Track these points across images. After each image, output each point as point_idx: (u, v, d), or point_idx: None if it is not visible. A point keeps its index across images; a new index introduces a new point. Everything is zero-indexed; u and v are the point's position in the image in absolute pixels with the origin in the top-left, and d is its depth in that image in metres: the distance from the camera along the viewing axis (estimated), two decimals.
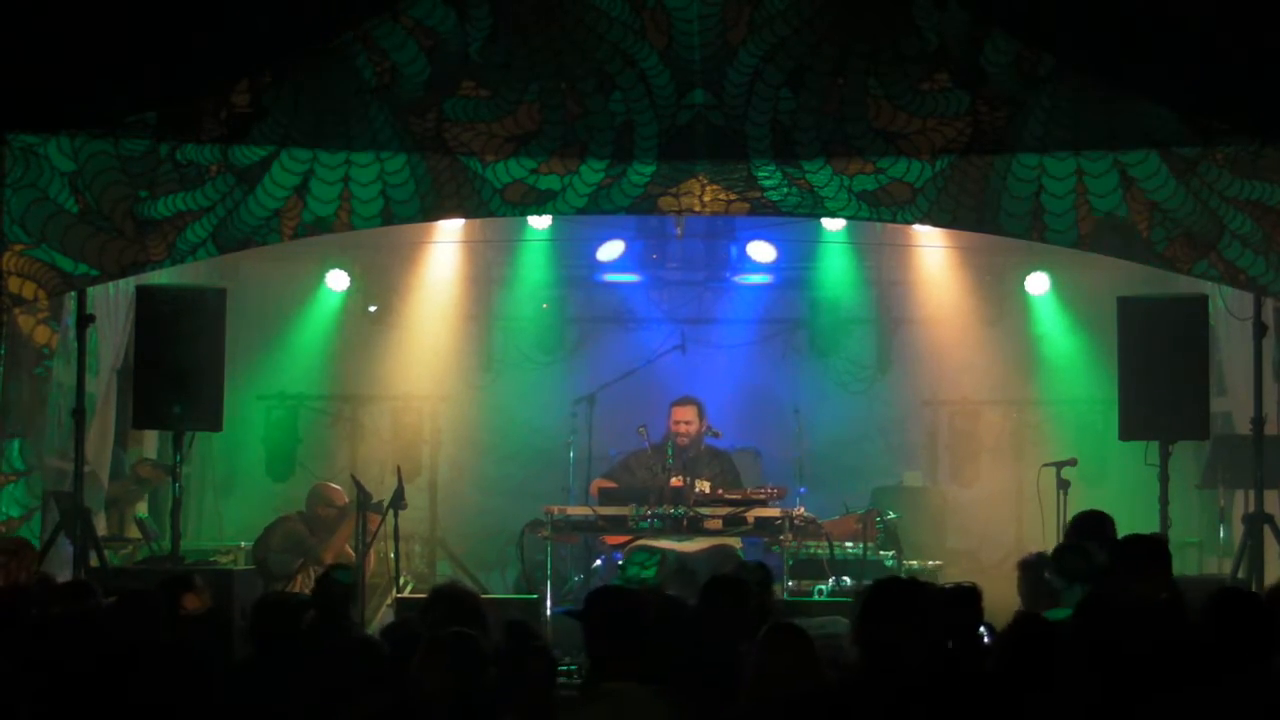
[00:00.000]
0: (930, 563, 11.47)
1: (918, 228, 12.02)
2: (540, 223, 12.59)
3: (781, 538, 10.54)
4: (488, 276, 13.40)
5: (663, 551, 10.49)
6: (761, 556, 11.02)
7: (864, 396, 13.43)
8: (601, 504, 10.83)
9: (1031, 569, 7.44)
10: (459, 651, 5.54)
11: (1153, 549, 6.87)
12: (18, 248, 9.11)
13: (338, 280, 13.28)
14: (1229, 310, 10.38)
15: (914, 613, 5.39)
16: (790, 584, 10.37)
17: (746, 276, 13.43)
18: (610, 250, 13.03)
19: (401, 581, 10.74)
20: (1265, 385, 9.83)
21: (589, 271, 13.31)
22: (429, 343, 13.18)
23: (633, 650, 5.49)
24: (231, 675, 6.02)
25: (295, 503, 11.79)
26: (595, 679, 5.50)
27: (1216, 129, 9.07)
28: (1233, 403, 11.36)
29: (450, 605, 6.50)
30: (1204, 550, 11.86)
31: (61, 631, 6.06)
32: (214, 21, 8.86)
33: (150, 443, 12.28)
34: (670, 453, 11.09)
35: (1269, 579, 9.38)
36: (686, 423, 11.35)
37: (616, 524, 10.64)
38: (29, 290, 9.16)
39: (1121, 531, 7.52)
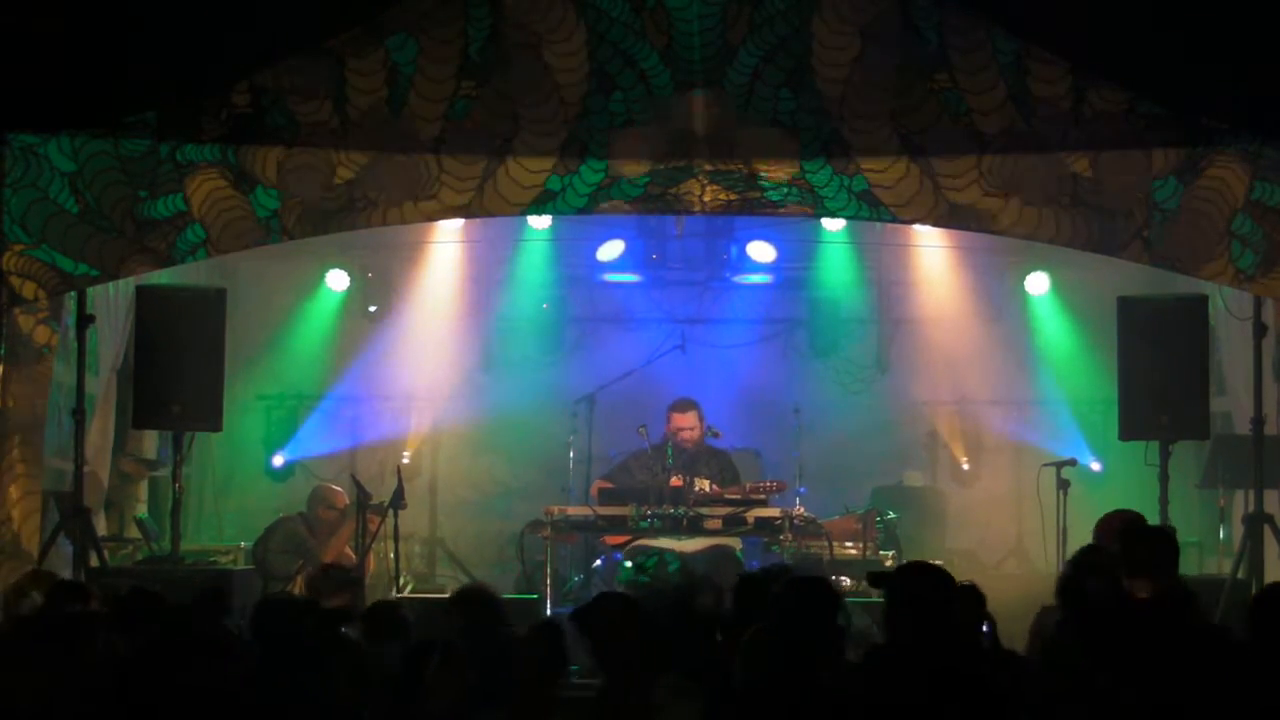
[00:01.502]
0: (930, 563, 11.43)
1: (918, 228, 12.01)
2: (540, 223, 12.58)
3: (781, 538, 10.55)
4: (488, 276, 13.39)
5: (660, 552, 10.49)
6: (761, 556, 11.05)
7: (864, 396, 13.41)
8: (601, 504, 10.83)
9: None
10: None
11: (1155, 544, 6.84)
12: (18, 248, 9.12)
13: (338, 280, 13.28)
14: (1229, 310, 10.38)
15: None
16: None
17: (746, 276, 13.42)
18: (610, 250, 13.02)
19: (401, 581, 10.73)
20: (1265, 385, 9.83)
21: (589, 271, 13.31)
22: (429, 343, 13.17)
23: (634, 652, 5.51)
24: (232, 675, 6.00)
25: (295, 503, 11.79)
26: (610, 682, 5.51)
27: (1217, 129, 9.08)
28: (1233, 403, 11.35)
29: (477, 607, 6.48)
30: (1204, 550, 11.86)
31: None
32: (214, 21, 8.86)
33: (150, 443, 12.29)
34: (670, 453, 11.08)
35: (1269, 579, 9.39)
36: (689, 429, 11.34)
37: (616, 524, 10.64)
38: (29, 290, 9.16)
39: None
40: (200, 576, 9.30)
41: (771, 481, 10.90)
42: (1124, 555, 6.64)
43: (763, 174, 9.30)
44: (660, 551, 10.51)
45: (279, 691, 5.77)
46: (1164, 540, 6.92)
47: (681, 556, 10.49)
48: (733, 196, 9.34)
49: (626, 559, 10.65)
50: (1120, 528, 7.10)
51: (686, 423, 11.34)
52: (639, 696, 5.45)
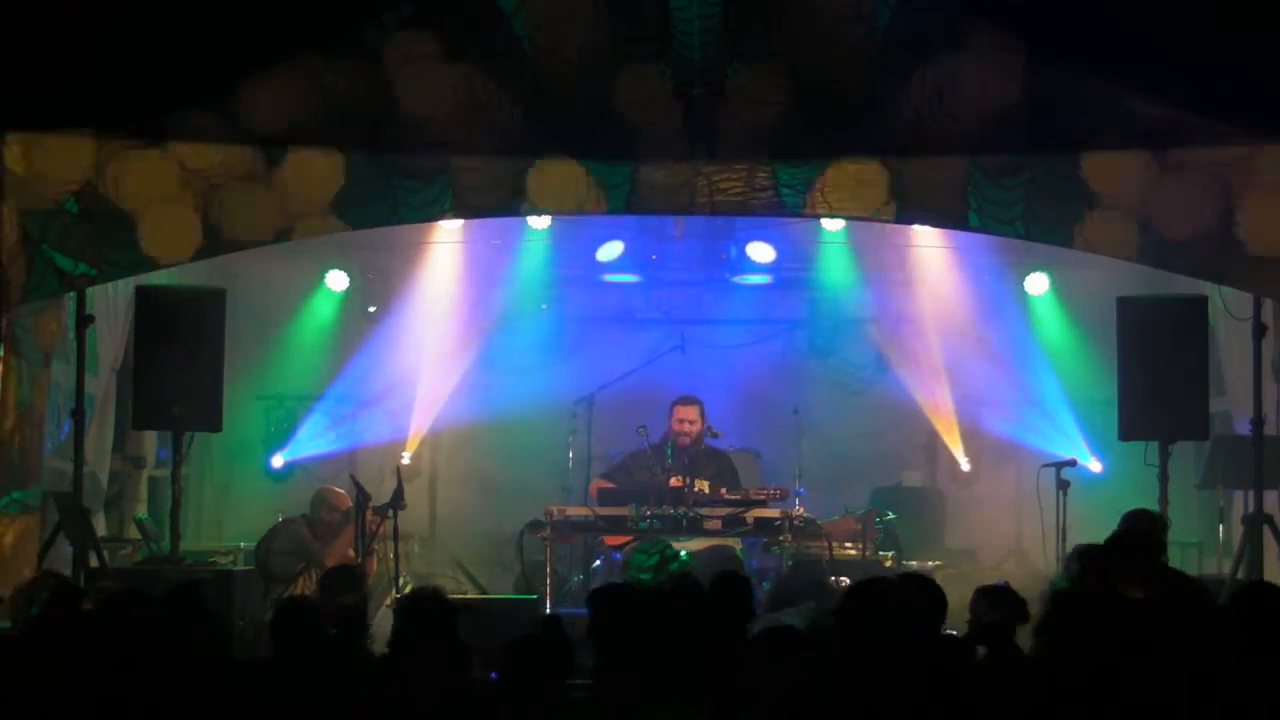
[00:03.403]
0: (930, 563, 11.46)
1: (917, 228, 12.02)
2: (540, 223, 12.59)
3: (781, 538, 10.54)
4: (488, 276, 13.39)
5: (663, 547, 10.49)
6: (760, 557, 11.05)
7: (864, 396, 13.41)
8: (601, 504, 10.83)
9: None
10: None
11: (1136, 545, 6.83)
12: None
13: (338, 280, 13.29)
14: (1229, 310, 10.37)
15: (887, 612, 5.38)
16: None
17: (746, 277, 13.43)
18: (610, 250, 13.04)
19: (401, 582, 10.72)
20: (1265, 385, 9.83)
21: (588, 271, 13.31)
22: (429, 343, 13.17)
23: (637, 648, 5.51)
24: (247, 677, 5.99)
25: (295, 503, 11.77)
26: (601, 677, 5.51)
27: (1217, 129, 9.07)
28: (1232, 403, 11.35)
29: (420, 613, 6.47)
30: (1204, 550, 11.86)
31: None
32: (214, 21, 8.85)
33: (150, 443, 12.29)
34: (670, 453, 11.09)
35: (1269, 579, 9.39)
36: (690, 422, 11.35)
37: (616, 524, 10.64)
38: (29, 290, 9.15)
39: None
40: (200, 576, 9.30)
41: (774, 489, 10.88)
42: (1115, 557, 6.62)
43: (764, 174, 9.29)
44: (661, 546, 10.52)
45: (298, 693, 5.77)
46: (1152, 542, 6.89)
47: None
48: (733, 197, 9.34)
49: (629, 554, 10.67)
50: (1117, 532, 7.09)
51: (689, 416, 11.35)
52: (635, 692, 5.45)
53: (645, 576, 9.52)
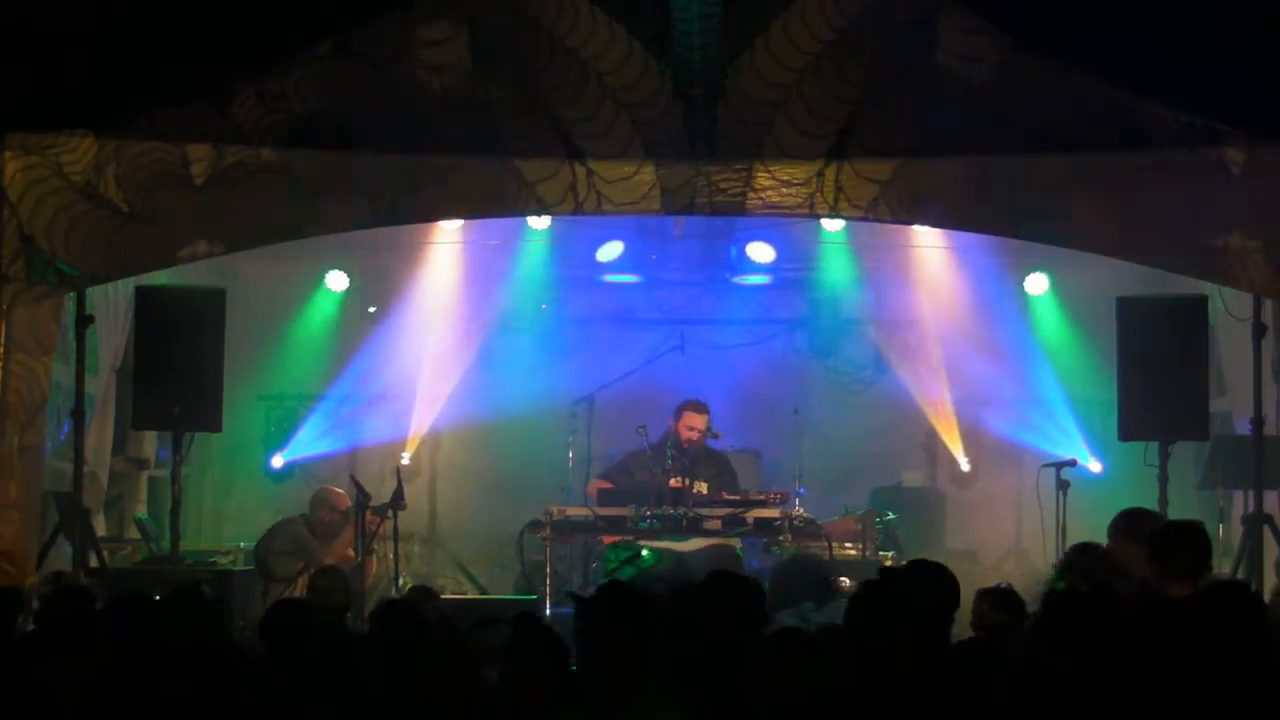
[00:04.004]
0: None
1: (917, 228, 12.02)
2: (540, 223, 12.59)
3: (781, 538, 10.54)
4: (488, 276, 13.38)
5: (641, 548, 10.54)
6: (760, 557, 11.05)
7: (864, 396, 13.41)
8: (600, 504, 10.83)
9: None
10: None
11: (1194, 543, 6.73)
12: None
13: (338, 280, 13.29)
14: (1229, 310, 10.37)
15: (903, 612, 5.37)
16: None
17: (746, 277, 13.43)
18: (610, 251, 13.04)
19: (401, 582, 10.73)
20: (1265, 385, 9.82)
21: (589, 271, 13.30)
22: (429, 343, 13.17)
23: (631, 649, 5.50)
24: (245, 675, 5.99)
25: (295, 504, 11.77)
26: (595, 679, 5.50)
27: (1218, 130, 9.07)
28: (1233, 403, 11.35)
29: (395, 619, 6.48)
30: None
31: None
32: (215, 21, 8.85)
33: (150, 443, 12.28)
34: (670, 454, 11.08)
35: (1268, 579, 9.40)
36: (698, 430, 11.33)
37: (616, 524, 10.64)
38: (29, 289, 9.15)
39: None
40: (199, 576, 9.29)
41: (774, 492, 10.88)
42: (1159, 555, 6.50)
43: (764, 174, 9.29)
44: (641, 548, 10.57)
45: (296, 693, 5.76)
46: (1201, 538, 6.76)
47: (679, 555, 10.50)
48: (733, 197, 9.34)
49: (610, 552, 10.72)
50: (1153, 527, 6.98)
51: (697, 423, 11.33)
52: (620, 695, 5.43)
53: (624, 573, 9.61)
